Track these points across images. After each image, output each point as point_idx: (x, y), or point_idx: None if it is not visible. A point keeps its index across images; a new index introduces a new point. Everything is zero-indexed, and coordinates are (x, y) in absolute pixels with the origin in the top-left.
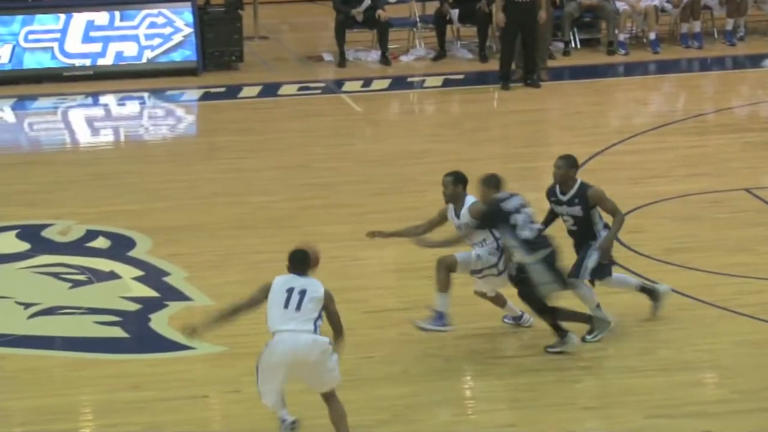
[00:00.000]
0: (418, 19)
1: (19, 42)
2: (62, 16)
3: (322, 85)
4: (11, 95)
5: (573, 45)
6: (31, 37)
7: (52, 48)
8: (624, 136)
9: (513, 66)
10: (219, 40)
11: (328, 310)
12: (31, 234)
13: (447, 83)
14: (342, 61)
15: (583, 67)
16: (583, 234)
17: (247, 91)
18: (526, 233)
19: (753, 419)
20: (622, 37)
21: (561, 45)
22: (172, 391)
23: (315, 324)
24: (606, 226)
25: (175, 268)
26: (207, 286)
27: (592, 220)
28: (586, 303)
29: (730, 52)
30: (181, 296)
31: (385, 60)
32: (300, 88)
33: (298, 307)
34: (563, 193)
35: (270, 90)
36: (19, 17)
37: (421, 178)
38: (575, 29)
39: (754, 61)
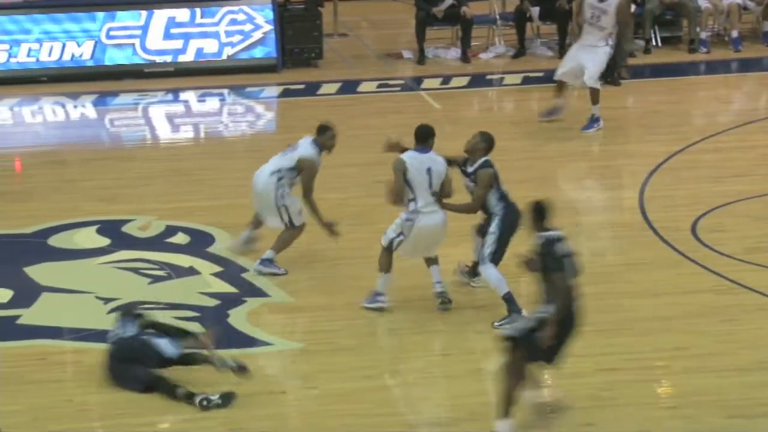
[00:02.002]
0: (498, 17)
1: (100, 38)
2: (143, 13)
3: (401, 82)
4: (93, 91)
5: (654, 43)
6: (112, 33)
7: (133, 44)
8: (705, 134)
9: None
10: (299, 37)
11: (447, 178)
12: (112, 229)
13: (526, 81)
14: (421, 59)
15: (664, 65)
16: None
17: (326, 88)
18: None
19: None
20: (703, 35)
21: (642, 43)
22: (249, 387)
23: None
24: (506, 206)
25: (251, 264)
26: (285, 282)
27: (487, 202)
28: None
29: None
30: (259, 292)
31: (464, 57)
32: (379, 86)
33: (430, 185)
34: (471, 164)
35: (349, 87)
36: (101, 14)
37: (500, 175)
38: (656, 27)
39: None
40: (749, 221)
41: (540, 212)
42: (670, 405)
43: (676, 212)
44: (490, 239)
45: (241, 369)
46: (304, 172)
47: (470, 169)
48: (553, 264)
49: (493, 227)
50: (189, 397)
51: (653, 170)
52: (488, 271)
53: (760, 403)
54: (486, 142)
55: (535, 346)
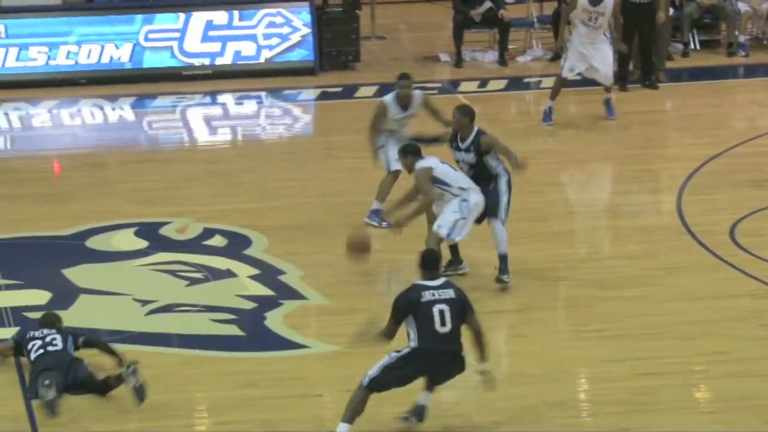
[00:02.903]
0: (535, 19)
1: (139, 41)
2: (182, 16)
3: (438, 85)
4: (131, 94)
5: (692, 46)
6: (151, 36)
7: (171, 47)
8: (744, 138)
9: (631, 67)
10: (336, 40)
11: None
12: (149, 232)
13: (563, 84)
14: (459, 62)
15: (702, 68)
16: (478, 178)
17: (363, 91)
18: None
19: None
20: (742, 38)
21: (680, 46)
22: (287, 390)
23: None
24: (506, 169)
25: (290, 266)
26: (322, 285)
27: (488, 165)
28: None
29: None
30: (296, 295)
31: (502, 60)
32: (416, 89)
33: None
34: (462, 140)
35: (387, 90)
36: (140, 16)
37: (538, 178)
38: (695, 30)
39: None
40: None
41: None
42: (709, 410)
43: (715, 216)
44: (504, 199)
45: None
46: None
47: (466, 143)
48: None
49: (503, 186)
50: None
51: (691, 174)
52: (503, 228)
53: None
54: (468, 115)
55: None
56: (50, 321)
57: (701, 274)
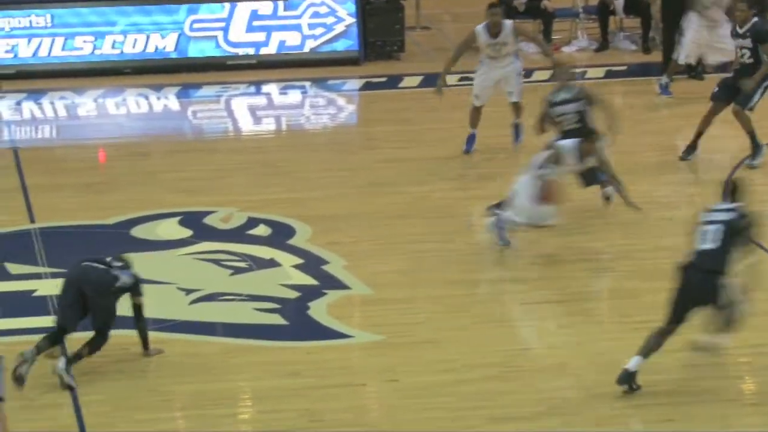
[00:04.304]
0: (581, 10)
1: (184, 31)
2: (227, 5)
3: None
4: (176, 83)
5: None
6: (196, 26)
7: (216, 37)
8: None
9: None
10: (381, 30)
11: None
12: (194, 221)
13: (609, 75)
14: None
15: None
16: (753, 66)
17: (408, 81)
18: None
19: None
20: None
21: None
22: (330, 379)
23: None
24: None
25: (334, 256)
26: (365, 274)
27: (759, 53)
28: None
29: None
30: (339, 284)
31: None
32: (460, 79)
33: None
34: (740, 27)
35: (431, 80)
36: (185, 6)
37: None
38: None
39: None
40: None
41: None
42: (752, 402)
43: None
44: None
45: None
46: None
47: (744, 29)
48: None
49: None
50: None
51: (735, 164)
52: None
53: None
54: (752, 7)
55: None
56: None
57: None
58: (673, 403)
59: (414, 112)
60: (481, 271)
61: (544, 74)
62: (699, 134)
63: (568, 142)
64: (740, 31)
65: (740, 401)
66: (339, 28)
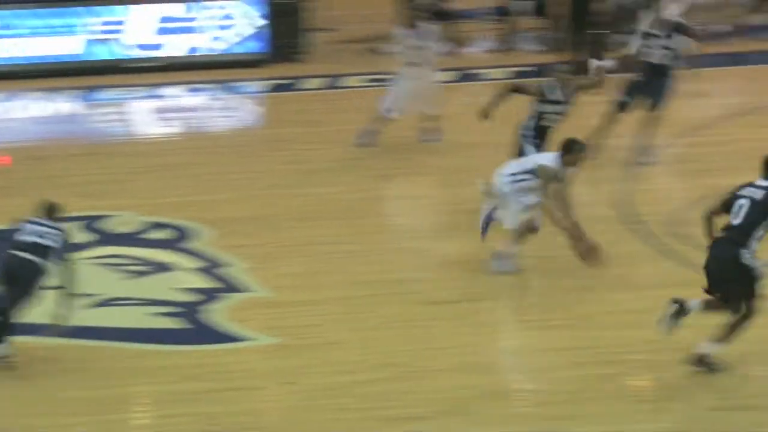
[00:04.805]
0: (486, 11)
1: (87, 33)
2: (133, 7)
3: (388, 76)
4: (80, 86)
5: None
6: (99, 28)
7: (120, 39)
8: (686, 128)
9: (579, 57)
10: (288, 32)
11: None
12: (94, 225)
13: (514, 75)
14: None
15: None
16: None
17: (313, 83)
18: None
19: None
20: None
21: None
22: (228, 382)
23: None
24: None
25: (236, 259)
26: (268, 277)
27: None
28: None
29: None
30: (241, 287)
31: (452, 52)
32: (366, 80)
33: None
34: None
35: (336, 82)
36: (88, 8)
37: (482, 170)
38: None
39: None
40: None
41: None
42: (646, 399)
43: (658, 206)
44: None
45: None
46: None
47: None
48: None
49: None
50: None
51: (634, 164)
52: None
53: (738, 395)
54: None
55: None
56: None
57: (641, 264)
58: (571, 401)
59: (319, 114)
60: (383, 272)
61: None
62: (600, 133)
63: (553, 158)
64: (657, 32)
65: (638, 397)
66: (247, 29)
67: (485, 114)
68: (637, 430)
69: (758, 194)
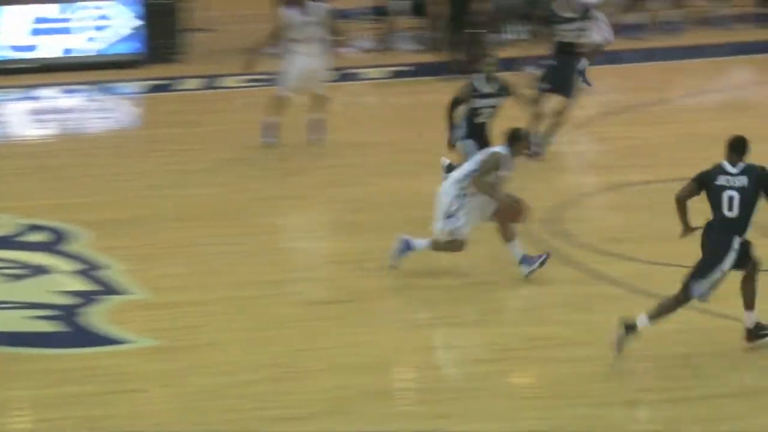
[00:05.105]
0: (364, 11)
1: None
2: (8, 8)
3: (266, 77)
4: None
5: (516, 36)
6: None
7: None
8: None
9: (456, 57)
10: (164, 33)
11: None
12: None
13: (393, 75)
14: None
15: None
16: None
17: (191, 83)
18: None
19: (690, 407)
20: None
21: (506, 36)
22: (108, 385)
23: None
24: None
25: (114, 261)
26: (148, 278)
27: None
28: None
29: (671, 42)
30: (120, 290)
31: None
32: (244, 80)
33: None
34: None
35: (214, 82)
36: None
37: (365, 169)
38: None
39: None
40: (607, 212)
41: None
42: (530, 395)
43: (536, 204)
44: None
45: None
46: None
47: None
48: None
49: None
50: None
51: None
52: None
53: (616, 391)
54: None
55: None
56: None
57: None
58: (454, 399)
59: (197, 114)
60: (265, 272)
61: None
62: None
63: (502, 148)
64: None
65: (519, 394)
66: (123, 30)
67: (449, 145)
68: (521, 428)
69: (741, 181)
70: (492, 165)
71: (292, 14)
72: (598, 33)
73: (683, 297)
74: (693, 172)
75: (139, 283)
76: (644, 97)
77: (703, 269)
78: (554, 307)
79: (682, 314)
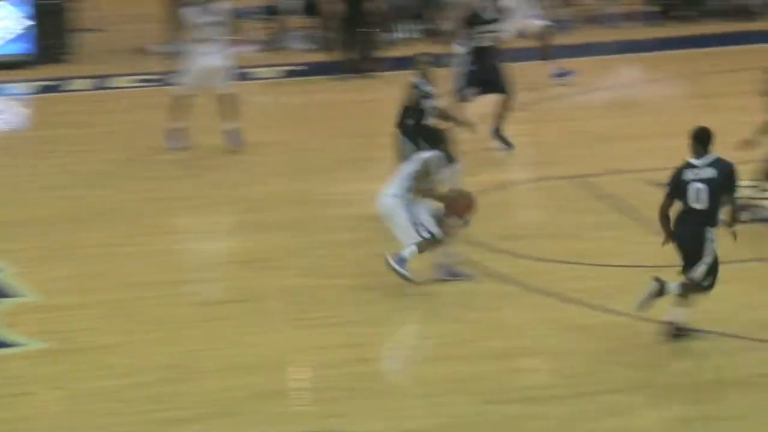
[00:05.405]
0: (256, 10)
1: None
2: None
3: (156, 77)
4: None
5: (408, 35)
6: None
7: None
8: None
9: (348, 57)
10: (54, 33)
11: None
12: None
13: (285, 74)
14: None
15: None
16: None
17: (81, 84)
18: None
19: (581, 403)
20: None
21: (395, 35)
22: None
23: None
24: None
25: (4, 263)
26: (38, 281)
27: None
28: None
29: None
30: (10, 292)
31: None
32: (134, 80)
33: None
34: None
35: (104, 82)
36: None
37: (257, 169)
38: (408, 21)
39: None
40: (500, 210)
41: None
42: (420, 393)
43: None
44: None
45: None
46: None
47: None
48: None
49: None
50: None
51: None
52: None
53: (509, 388)
54: None
55: None
56: None
57: (412, 261)
58: (346, 398)
59: (87, 116)
60: (157, 273)
61: None
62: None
63: (434, 153)
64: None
65: (408, 393)
66: (13, 30)
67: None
68: (413, 426)
69: (707, 173)
70: (426, 170)
71: (192, 14)
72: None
73: (697, 289)
74: (584, 169)
75: (31, 286)
76: (534, 96)
77: (688, 265)
78: (446, 306)
79: (570, 311)
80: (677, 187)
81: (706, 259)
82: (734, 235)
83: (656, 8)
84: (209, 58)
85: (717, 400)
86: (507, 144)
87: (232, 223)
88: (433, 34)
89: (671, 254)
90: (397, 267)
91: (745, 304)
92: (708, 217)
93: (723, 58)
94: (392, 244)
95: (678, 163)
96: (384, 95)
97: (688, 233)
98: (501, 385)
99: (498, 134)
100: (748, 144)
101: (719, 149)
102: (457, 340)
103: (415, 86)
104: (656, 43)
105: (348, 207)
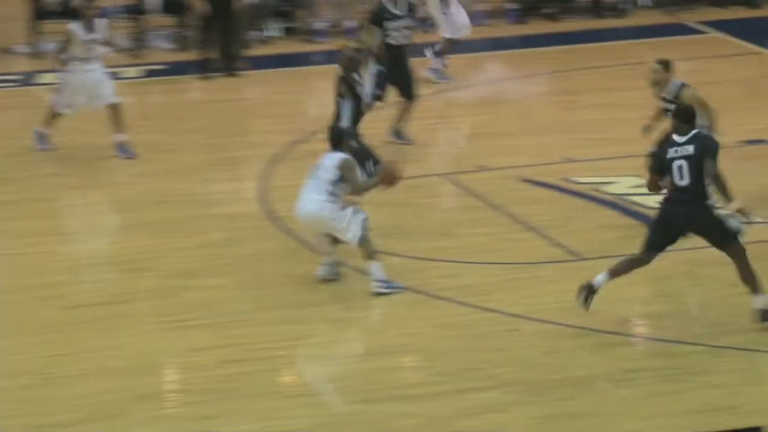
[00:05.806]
0: (117, 9)
1: None
2: None
3: (16, 77)
4: None
5: (272, 34)
6: None
7: None
8: (323, 124)
9: (212, 55)
10: None
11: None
12: None
13: (146, 74)
14: (38, 53)
15: (283, 56)
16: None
17: None
18: None
19: (454, 400)
20: (320, 25)
21: (261, 33)
22: None
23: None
24: None
25: None
26: None
27: None
28: None
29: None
30: None
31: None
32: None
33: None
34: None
35: None
36: None
37: (121, 170)
38: (273, 18)
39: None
40: (370, 208)
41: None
42: (294, 394)
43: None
44: None
45: None
46: None
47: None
48: None
49: None
50: None
51: (274, 160)
52: None
53: (383, 387)
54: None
55: None
56: None
57: (283, 260)
58: (217, 399)
59: None
60: (21, 276)
61: None
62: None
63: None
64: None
65: (282, 393)
66: None
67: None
68: (289, 426)
69: (687, 150)
70: (352, 166)
71: (77, 30)
72: (448, 27)
73: (736, 251)
74: (454, 167)
75: None
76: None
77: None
78: (319, 305)
79: (444, 308)
80: (661, 164)
81: (724, 221)
82: (745, 213)
83: (521, 6)
84: (93, 74)
85: (588, 396)
86: (406, 139)
87: (100, 225)
88: (300, 33)
89: (546, 251)
90: (386, 290)
91: (618, 298)
92: (696, 194)
93: (586, 54)
94: (259, 244)
95: (546, 160)
96: (250, 94)
97: (681, 216)
98: (375, 384)
99: (398, 134)
100: (647, 129)
101: (583, 144)
102: (330, 340)
103: (354, 84)
104: (522, 40)
105: (218, 207)
